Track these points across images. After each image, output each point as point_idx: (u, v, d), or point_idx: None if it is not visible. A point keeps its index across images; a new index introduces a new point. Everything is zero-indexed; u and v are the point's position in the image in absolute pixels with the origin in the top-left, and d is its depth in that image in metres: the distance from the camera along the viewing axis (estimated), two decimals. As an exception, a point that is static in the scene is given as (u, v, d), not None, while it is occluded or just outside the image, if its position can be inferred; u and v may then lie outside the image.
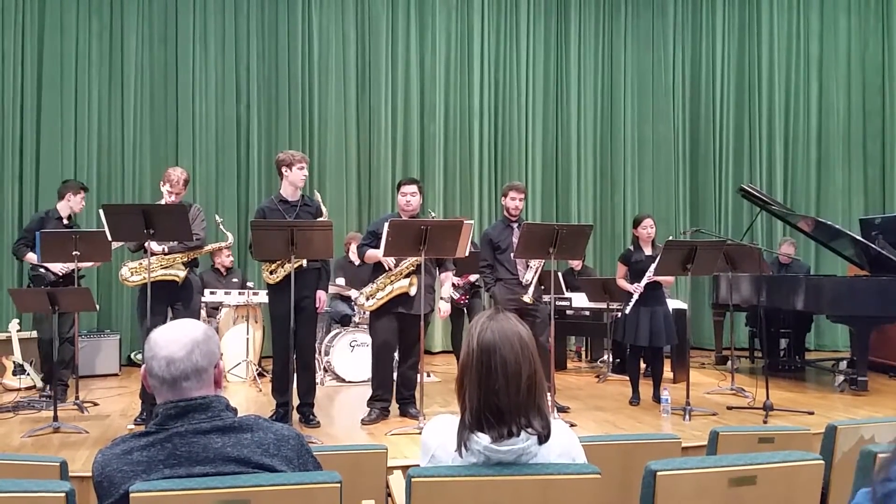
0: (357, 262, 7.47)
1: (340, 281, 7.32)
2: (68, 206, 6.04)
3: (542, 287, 5.94)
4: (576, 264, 8.37)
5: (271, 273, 5.10)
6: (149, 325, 4.71)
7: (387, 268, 5.36)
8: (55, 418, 5.00)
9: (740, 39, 9.96)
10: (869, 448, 2.16)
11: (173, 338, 1.75)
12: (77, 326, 5.86)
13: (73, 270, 5.68)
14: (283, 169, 5.18)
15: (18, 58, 8.04)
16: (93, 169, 8.25)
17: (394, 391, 5.53)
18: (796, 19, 9.91)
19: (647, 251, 6.01)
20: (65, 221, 6.04)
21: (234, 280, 7.64)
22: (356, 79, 9.13)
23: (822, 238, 7.67)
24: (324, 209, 5.27)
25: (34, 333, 7.06)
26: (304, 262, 5.03)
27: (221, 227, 5.66)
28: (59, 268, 5.87)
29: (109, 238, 5.02)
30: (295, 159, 5.16)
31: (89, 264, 5.97)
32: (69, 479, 2.25)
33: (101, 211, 4.93)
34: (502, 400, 1.78)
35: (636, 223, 6.12)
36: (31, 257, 5.95)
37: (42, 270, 5.90)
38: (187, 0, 8.55)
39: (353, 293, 7.16)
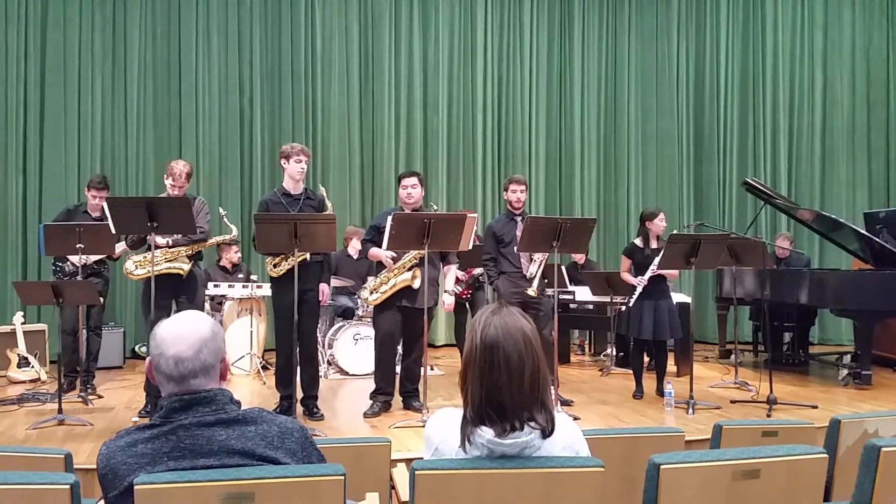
0: (356, 256, 7.49)
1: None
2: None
3: (546, 280, 5.94)
4: (579, 258, 8.37)
5: (275, 266, 5.11)
6: (153, 319, 4.72)
7: (386, 268, 5.35)
8: (60, 411, 5.01)
9: (744, 32, 9.92)
10: (873, 442, 2.16)
11: (181, 336, 1.74)
12: (81, 320, 5.87)
13: (89, 262, 5.70)
14: (283, 161, 5.19)
15: (22, 52, 8.04)
16: (96, 162, 8.25)
17: (396, 384, 5.54)
18: (800, 12, 9.86)
19: (654, 245, 6.00)
20: (94, 215, 5.96)
21: (241, 276, 7.66)
22: (359, 72, 9.12)
23: (821, 229, 7.66)
24: (328, 203, 5.26)
25: (39, 326, 7.11)
26: (308, 255, 5.03)
27: (225, 219, 5.66)
28: (77, 259, 5.87)
29: (113, 231, 5.03)
30: (293, 151, 5.15)
31: (119, 249, 5.68)
32: (74, 471, 2.25)
33: (104, 204, 4.94)
34: (505, 396, 1.78)
35: (650, 217, 6.07)
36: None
37: (66, 260, 5.89)
38: (190, -7, 8.56)
39: (340, 282, 7.15)
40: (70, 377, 5.91)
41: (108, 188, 6.06)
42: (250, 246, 7.59)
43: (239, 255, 7.80)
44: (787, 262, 8.05)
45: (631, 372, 6.33)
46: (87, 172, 8.16)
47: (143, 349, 7.52)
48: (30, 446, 4.20)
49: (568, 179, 9.77)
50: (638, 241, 6.13)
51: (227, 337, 6.73)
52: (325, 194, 5.33)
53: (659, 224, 6.02)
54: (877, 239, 6.84)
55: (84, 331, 5.97)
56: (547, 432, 1.81)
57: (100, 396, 5.97)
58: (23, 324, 6.74)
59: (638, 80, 9.94)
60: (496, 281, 5.75)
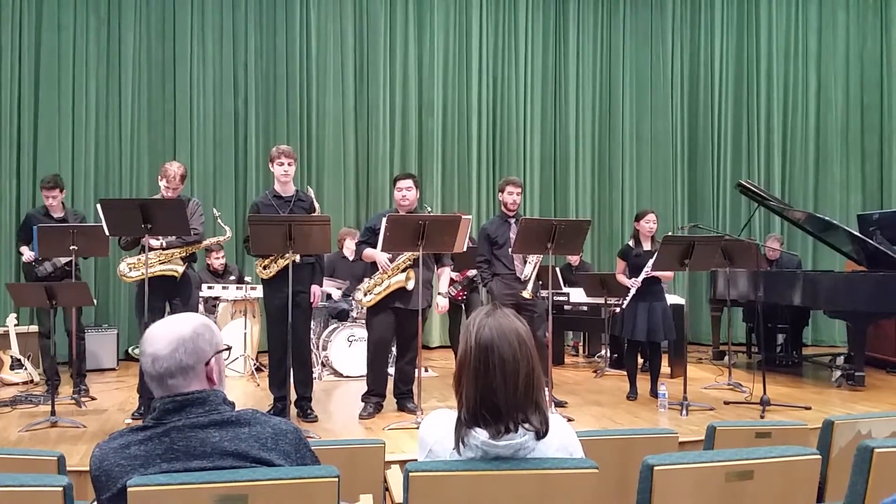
0: (351, 257, 7.48)
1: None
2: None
3: (540, 282, 5.94)
4: (573, 259, 8.38)
5: (264, 268, 5.10)
6: (147, 321, 4.70)
7: (380, 269, 5.35)
8: (53, 412, 5.00)
9: (739, 35, 9.95)
10: (866, 443, 2.17)
11: (161, 335, 1.75)
12: (75, 321, 5.84)
13: (65, 264, 5.70)
14: (270, 165, 5.20)
15: (16, 54, 8.00)
16: (90, 164, 8.22)
17: (388, 386, 5.54)
18: (795, 14, 9.91)
19: (647, 246, 6.01)
20: (55, 215, 5.95)
21: (232, 278, 7.63)
22: (354, 74, 9.11)
23: (814, 231, 7.69)
24: (316, 205, 5.26)
25: (32, 328, 7.07)
26: (298, 256, 5.02)
27: (219, 221, 5.65)
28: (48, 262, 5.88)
29: (107, 233, 5.01)
30: (275, 155, 5.15)
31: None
32: (67, 473, 2.25)
33: (98, 206, 4.92)
34: (500, 397, 1.78)
35: (638, 217, 6.11)
36: (23, 251, 6.01)
37: (33, 263, 5.91)
38: (185, -5, 8.54)
39: (336, 284, 7.15)
40: (54, 382, 5.87)
41: (58, 187, 5.97)
42: (243, 248, 7.58)
43: (222, 260, 7.71)
44: (779, 264, 8.08)
45: (625, 373, 6.33)
46: (81, 174, 8.16)
47: (137, 351, 7.49)
48: (23, 448, 4.18)
49: (562, 181, 9.78)
50: (631, 243, 6.14)
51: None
52: (313, 195, 5.32)
53: (645, 225, 6.03)
54: (870, 241, 6.86)
55: (65, 334, 5.98)
56: (541, 434, 1.81)
57: (93, 398, 5.95)
58: (16, 325, 6.71)
59: (632, 81, 9.95)
60: (490, 283, 5.75)
